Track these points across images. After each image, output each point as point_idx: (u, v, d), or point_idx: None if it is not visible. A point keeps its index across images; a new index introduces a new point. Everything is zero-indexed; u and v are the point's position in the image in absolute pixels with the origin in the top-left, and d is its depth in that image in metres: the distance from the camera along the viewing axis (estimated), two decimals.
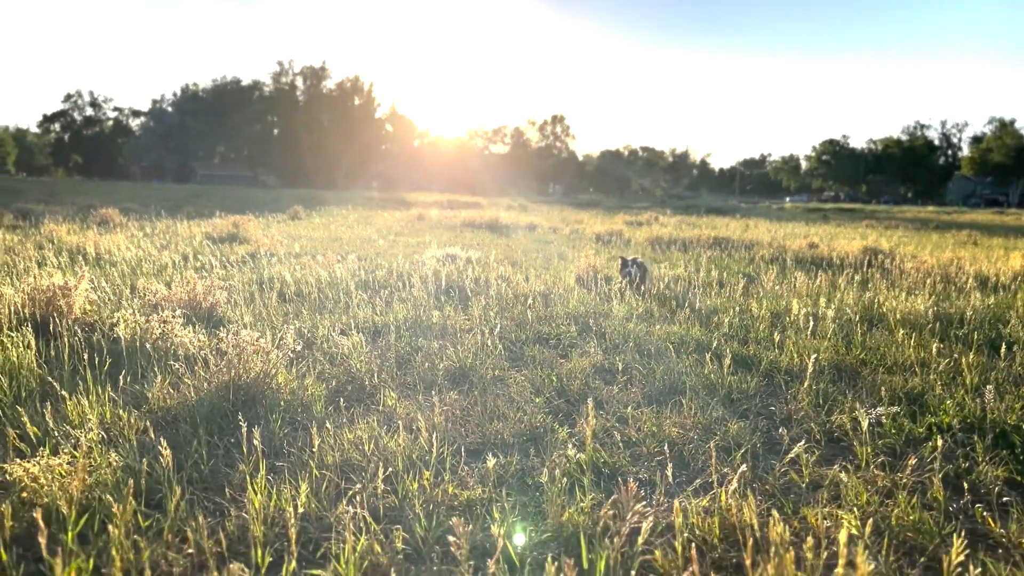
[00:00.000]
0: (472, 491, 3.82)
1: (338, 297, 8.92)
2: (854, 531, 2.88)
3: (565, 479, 3.71)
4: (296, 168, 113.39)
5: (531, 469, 4.14)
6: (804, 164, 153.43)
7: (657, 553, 3.08)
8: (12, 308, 6.44)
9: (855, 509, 3.64)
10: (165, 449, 3.61)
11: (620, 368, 6.08)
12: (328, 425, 4.50)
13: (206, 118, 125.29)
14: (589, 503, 3.46)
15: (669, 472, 3.93)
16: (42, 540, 2.87)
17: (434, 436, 4.26)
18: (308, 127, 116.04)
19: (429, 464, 4.04)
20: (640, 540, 3.08)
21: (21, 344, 5.53)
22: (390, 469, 4.04)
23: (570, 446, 4.35)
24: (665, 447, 4.36)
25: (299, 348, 5.87)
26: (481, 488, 3.82)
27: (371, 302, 8.61)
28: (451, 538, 2.82)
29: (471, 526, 3.52)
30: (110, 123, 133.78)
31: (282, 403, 4.98)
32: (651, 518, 3.03)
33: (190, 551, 3.16)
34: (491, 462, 3.66)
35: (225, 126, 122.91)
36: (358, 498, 3.66)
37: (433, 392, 5.30)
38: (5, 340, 5.52)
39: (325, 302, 8.69)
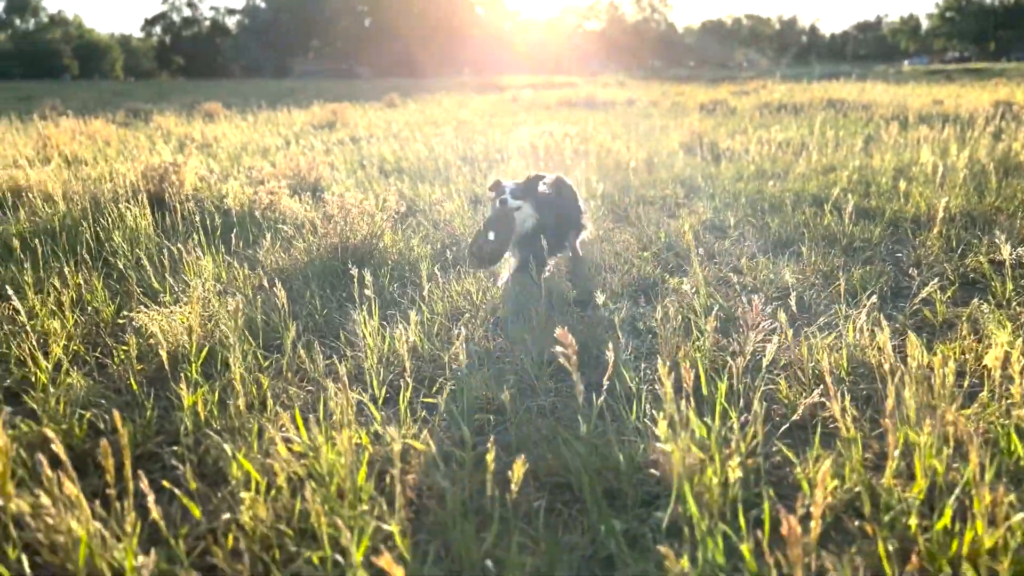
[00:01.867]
0: (581, 334, 3.74)
1: (438, 170, 8.86)
2: (996, 361, 2.65)
3: (679, 318, 3.58)
4: (389, 58, 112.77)
5: (642, 315, 4.02)
6: (925, 23, 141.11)
7: (782, 383, 2.94)
8: (128, 184, 6.66)
9: (997, 344, 3.37)
10: (281, 297, 3.67)
11: (732, 224, 5.82)
12: (436, 277, 4.49)
13: (299, 13, 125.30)
14: (706, 343, 3.33)
15: (791, 312, 3.74)
16: (169, 375, 2.97)
17: (543, 284, 4.18)
18: (399, 16, 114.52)
19: (538, 311, 3.98)
20: (762, 372, 2.94)
21: (139, 214, 5.72)
22: (498, 314, 4.00)
23: (682, 292, 4.20)
24: (786, 291, 4.16)
25: (403, 210, 5.86)
26: (590, 331, 3.74)
27: (470, 173, 8.51)
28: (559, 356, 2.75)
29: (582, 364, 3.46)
30: (207, 23, 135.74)
31: (390, 262, 5.00)
32: (773, 353, 2.87)
33: (309, 387, 3.23)
34: (600, 298, 3.55)
35: (318, 20, 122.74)
36: (469, 339, 3.65)
37: None
38: (124, 210, 5.72)
39: (425, 174, 8.65)
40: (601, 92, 26.85)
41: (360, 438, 2.57)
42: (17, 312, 3.85)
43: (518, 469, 2.06)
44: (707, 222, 6.01)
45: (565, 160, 9.06)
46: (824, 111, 15.45)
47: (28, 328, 3.48)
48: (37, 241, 5.05)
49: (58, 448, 2.06)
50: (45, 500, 2.21)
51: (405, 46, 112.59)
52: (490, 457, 2.13)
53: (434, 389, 3.18)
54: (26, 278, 4.26)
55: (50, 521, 2.19)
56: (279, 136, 13.03)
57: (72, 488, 2.28)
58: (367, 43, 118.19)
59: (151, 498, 1.95)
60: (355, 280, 4.26)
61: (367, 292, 4.12)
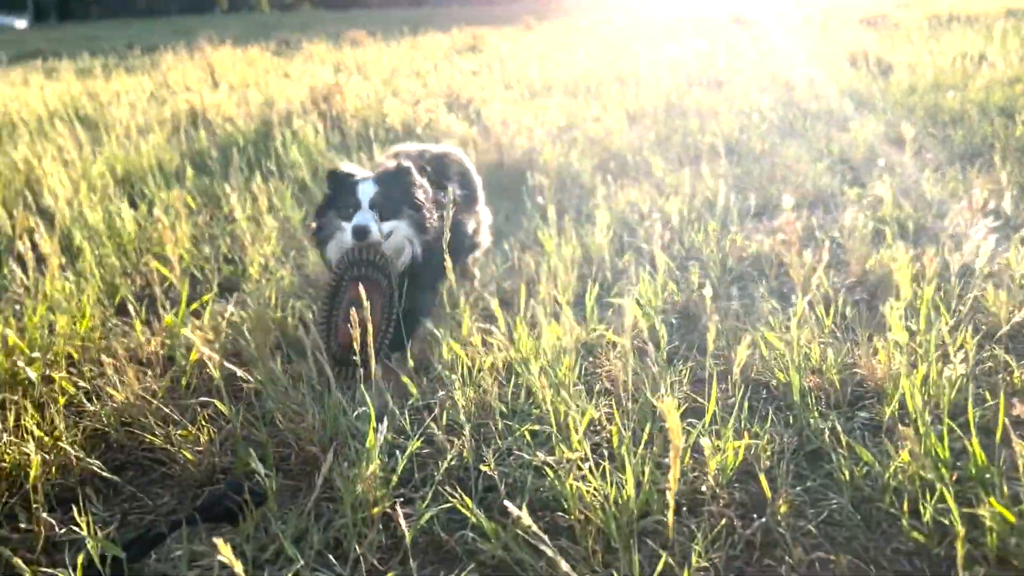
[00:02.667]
0: (760, 245, 3.66)
1: (588, 87, 8.75)
2: None
3: (866, 228, 3.43)
4: None
5: (823, 226, 3.89)
6: None
7: (989, 290, 2.79)
8: (298, 103, 6.97)
9: None
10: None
11: (910, 136, 5.46)
12: (601, 190, 4.49)
13: None
14: (897, 253, 3.18)
15: (988, 222, 3.51)
16: None
17: (721, 190, 4.08)
18: None
19: (710, 221, 3.91)
20: (967, 279, 2.80)
21: (310, 130, 5.98)
22: (670, 224, 3.97)
23: (864, 203, 4.02)
24: (979, 202, 3.90)
25: (562, 124, 5.85)
26: (769, 240, 3.65)
27: (623, 90, 8.35)
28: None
29: (764, 274, 3.40)
30: None
31: (550, 176, 5.02)
32: (982, 260, 2.72)
33: (486, 289, 3.34)
34: (788, 204, 3.45)
35: None
36: (643, 247, 3.65)
37: (701, 162, 5.08)
38: (296, 128, 5.99)
39: (576, 92, 8.56)
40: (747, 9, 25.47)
41: (557, 332, 2.64)
42: (227, 216, 4.16)
43: (741, 353, 2.07)
44: (882, 135, 5.68)
45: (718, 75, 8.74)
46: (1004, 20, 14.08)
47: (235, 230, 3.75)
48: (221, 155, 5.40)
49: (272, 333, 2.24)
50: (279, 372, 2.42)
51: None
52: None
53: (613, 292, 3.21)
54: (224, 188, 4.57)
55: (281, 392, 2.39)
56: (426, 60, 13.19)
57: (301, 367, 2.48)
58: None
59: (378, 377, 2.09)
60: (525, 191, 4.33)
61: (539, 200, 4.19)
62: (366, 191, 2.63)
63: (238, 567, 1.42)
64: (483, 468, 2.11)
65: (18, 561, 1.64)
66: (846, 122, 6.32)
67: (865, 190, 4.32)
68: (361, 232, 2.56)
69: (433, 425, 2.23)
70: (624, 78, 9.39)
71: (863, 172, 4.71)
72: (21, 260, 3.51)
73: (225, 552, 1.35)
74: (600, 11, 36.71)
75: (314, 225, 2.82)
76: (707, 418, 2.11)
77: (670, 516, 1.79)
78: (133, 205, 4.64)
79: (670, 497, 1.75)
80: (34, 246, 3.30)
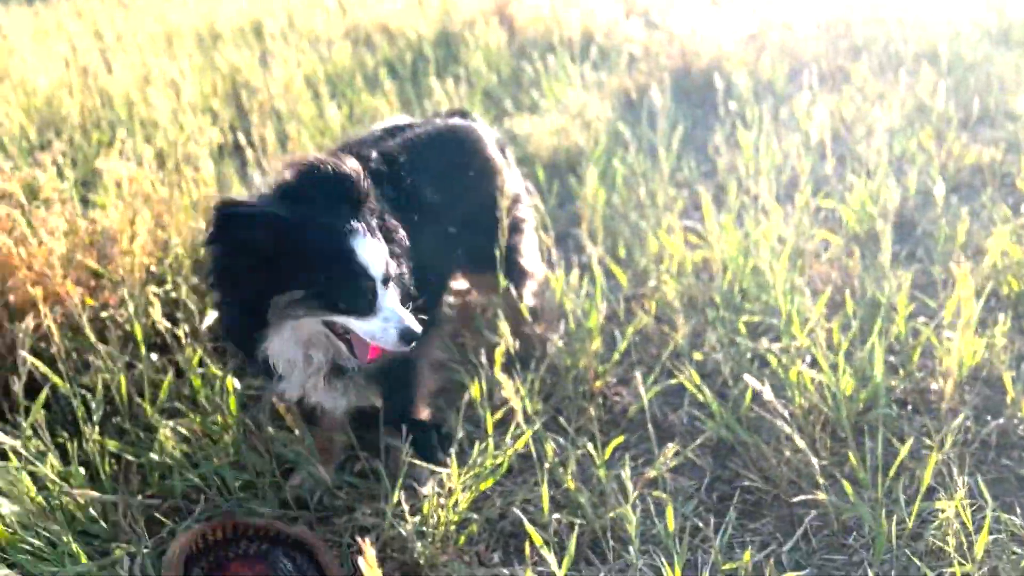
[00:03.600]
0: (980, 158, 3.40)
1: None
2: None
3: None
4: None
5: None
6: None
7: None
8: (475, 10, 7.00)
9: None
10: (643, 113, 3.72)
11: None
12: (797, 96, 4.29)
13: None
14: None
15: None
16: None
17: (940, 96, 3.78)
18: None
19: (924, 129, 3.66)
20: None
21: (494, 37, 6.01)
22: (876, 131, 3.73)
23: None
24: None
25: (753, 32, 5.58)
26: (991, 150, 3.38)
27: None
28: None
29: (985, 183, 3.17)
30: None
31: (740, 84, 4.83)
32: None
33: (684, 191, 3.30)
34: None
35: None
36: (850, 152, 3.48)
37: (903, 72, 4.72)
38: (478, 35, 6.04)
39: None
40: None
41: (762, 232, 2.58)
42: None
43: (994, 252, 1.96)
44: None
45: None
46: None
47: None
48: (405, 63, 5.55)
49: None
50: None
51: None
52: None
53: (821, 195, 3.09)
54: (413, 93, 4.71)
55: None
56: None
57: None
58: None
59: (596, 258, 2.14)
60: (713, 97, 4.20)
61: (732, 105, 4.07)
62: (371, 250, 1.58)
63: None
64: (696, 356, 2.13)
65: None
66: None
67: None
68: (410, 336, 1.58)
69: (640, 312, 2.26)
70: None
71: None
72: (240, 151, 3.81)
73: None
74: None
75: (218, 310, 1.85)
76: (946, 315, 2.02)
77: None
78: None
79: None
80: (249, 142, 3.53)
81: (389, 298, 1.56)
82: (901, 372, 2.05)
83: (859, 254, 2.45)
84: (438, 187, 1.92)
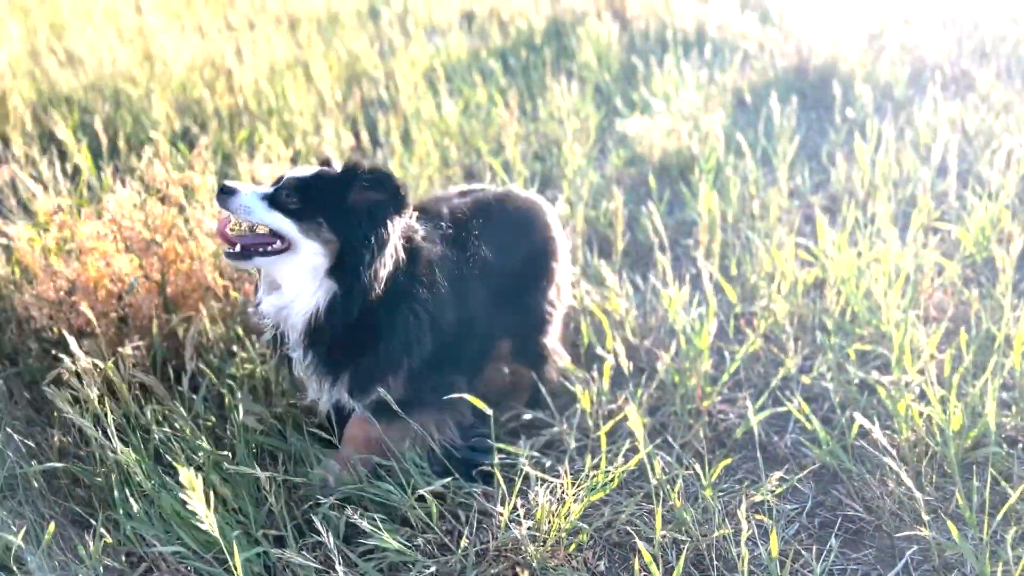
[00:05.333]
0: None
1: None
2: None
3: None
4: None
5: None
6: None
7: None
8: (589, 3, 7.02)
9: None
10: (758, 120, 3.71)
11: None
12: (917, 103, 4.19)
13: None
14: None
15: None
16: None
17: None
18: None
19: None
20: None
21: (607, 32, 6.04)
22: (1001, 146, 3.62)
23: None
24: None
25: (876, 32, 5.43)
26: None
27: None
28: None
29: None
30: None
31: (857, 89, 4.73)
32: None
33: (796, 201, 3.30)
34: None
35: None
36: (970, 170, 3.40)
37: None
38: (589, 29, 6.07)
39: None
40: None
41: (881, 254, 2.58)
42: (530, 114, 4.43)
43: None
44: None
45: None
46: None
47: (540, 128, 3.98)
48: (518, 55, 5.63)
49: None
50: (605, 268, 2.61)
51: None
52: None
53: (935, 217, 3.04)
54: (525, 87, 4.81)
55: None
56: None
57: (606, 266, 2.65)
58: None
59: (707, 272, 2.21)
60: (835, 102, 4.14)
61: (849, 112, 4.01)
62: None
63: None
64: (804, 379, 2.18)
65: None
66: None
67: None
68: (221, 191, 1.78)
69: (749, 332, 2.31)
70: None
71: None
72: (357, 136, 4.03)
73: None
74: None
75: None
76: None
77: None
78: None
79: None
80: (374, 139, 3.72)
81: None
82: (1013, 409, 2.04)
83: (976, 282, 2.43)
84: (501, 252, 2.01)
